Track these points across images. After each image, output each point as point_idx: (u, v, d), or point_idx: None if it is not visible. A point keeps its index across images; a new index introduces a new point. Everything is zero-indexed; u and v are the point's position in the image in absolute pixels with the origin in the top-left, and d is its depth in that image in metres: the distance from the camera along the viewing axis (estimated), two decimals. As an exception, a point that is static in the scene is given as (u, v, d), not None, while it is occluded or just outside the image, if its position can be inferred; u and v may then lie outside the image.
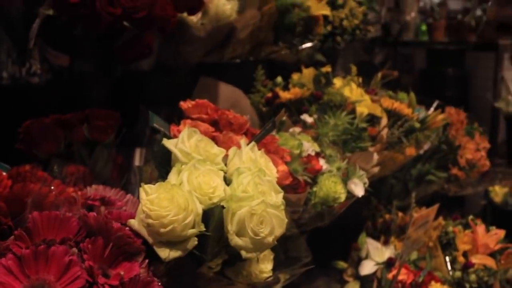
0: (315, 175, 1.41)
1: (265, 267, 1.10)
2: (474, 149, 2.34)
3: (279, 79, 2.00)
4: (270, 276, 1.10)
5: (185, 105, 1.32)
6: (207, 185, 0.96)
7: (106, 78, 1.41)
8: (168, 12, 1.24)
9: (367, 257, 1.96)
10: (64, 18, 1.20)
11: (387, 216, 2.19)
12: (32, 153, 1.27)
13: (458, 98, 3.57)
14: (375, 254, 1.94)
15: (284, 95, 1.88)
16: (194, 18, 1.50)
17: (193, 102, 1.32)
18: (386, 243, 2.00)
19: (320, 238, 1.70)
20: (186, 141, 1.04)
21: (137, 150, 1.31)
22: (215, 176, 0.99)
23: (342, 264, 2.02)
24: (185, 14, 1.41)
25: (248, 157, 1.07)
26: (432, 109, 2.25)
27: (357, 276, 1.98)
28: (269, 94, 1.92)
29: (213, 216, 0.96)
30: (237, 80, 1.90)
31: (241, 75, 2.06)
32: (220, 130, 1.28)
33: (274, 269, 1.11)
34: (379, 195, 2.24)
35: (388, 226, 2.11)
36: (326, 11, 2.14)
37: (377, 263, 1.91)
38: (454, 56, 3.87)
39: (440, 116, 2.07)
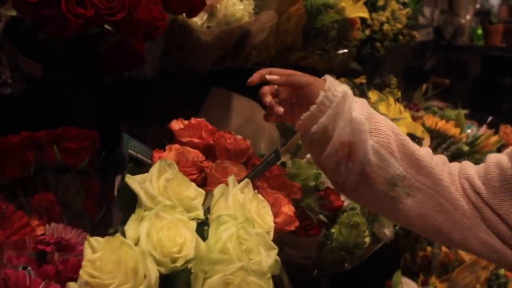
0: (334, 213, 1.16)
1: None
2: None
3: (306, 90, 1.76)
4: None
5: (176, 125, 1.10)
6: (171, 242, 0.73)
7: (92, 89, 1.20)
8: (155, 14, 1.01)
9: (401, 299, 1.70)
10: (29, 20, 1.00)
11: (428, 249, 1.91)
12: (-6, 178, 1.07)
13: (516, 111, 3.23)
14: (411, 297, 1.68)
15: (310, 110, 1.63)
16: (198, 21, 1.27)
17: (185, 122, 1.10)
18: (425, 284, 1.73)
19: (348, 275, 1.46)
20: (154, 180, 0.82)
21: (118, 178, 1.09)
22: (184, 228, 0.76)
23: (373, 305, 1.77)
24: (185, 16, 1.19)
25: (235, 201, 0.83)
26: (484, 126, 1.97)
27: (389, 320, 1.73)
28: (294, 108, 1.68)
29: (177, 283, 0.73)
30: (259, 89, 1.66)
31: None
32: (215, 158, 1.05)
33: None
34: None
35: (429, 262, 1.84)
36: (364, 13, 1.88)
37: (413, 308, 1.65)
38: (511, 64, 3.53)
39: (494, 138, 1.78)
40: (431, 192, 1.00)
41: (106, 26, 1.05)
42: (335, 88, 0.99)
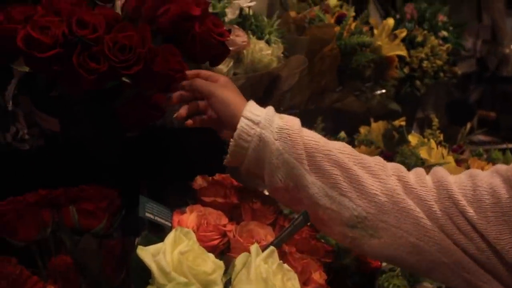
0: (372, 275, 1.06)
1: None
2: None
3: (342, 134, 1.68)
4: None
5: (199, 182, 1.03)
6: (183, 328, 0.65)
7: (112, 143, 1.15)
8: (173, 65, 0.95)
9: None
10: (42, 75, 0.95)
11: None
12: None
13: None
14: None
15: (346, 156, 1.54)
16: (224, 68, 1.21)
17: (209, 179, 1.03)
18: None
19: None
20: (168, 252, 0.74)
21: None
22: (200, 311, 0.68)
23: None
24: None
25: (258, 274, 0.75)
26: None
27: None
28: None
29: None
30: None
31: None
32: (240, 218, 0.97)
33: None
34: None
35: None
36: (402, 51, 1.79)
37: None
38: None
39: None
40: (399, 232, 0.85)
41: (124, 79, 1.00)
42: (248, 132, 0.90)
